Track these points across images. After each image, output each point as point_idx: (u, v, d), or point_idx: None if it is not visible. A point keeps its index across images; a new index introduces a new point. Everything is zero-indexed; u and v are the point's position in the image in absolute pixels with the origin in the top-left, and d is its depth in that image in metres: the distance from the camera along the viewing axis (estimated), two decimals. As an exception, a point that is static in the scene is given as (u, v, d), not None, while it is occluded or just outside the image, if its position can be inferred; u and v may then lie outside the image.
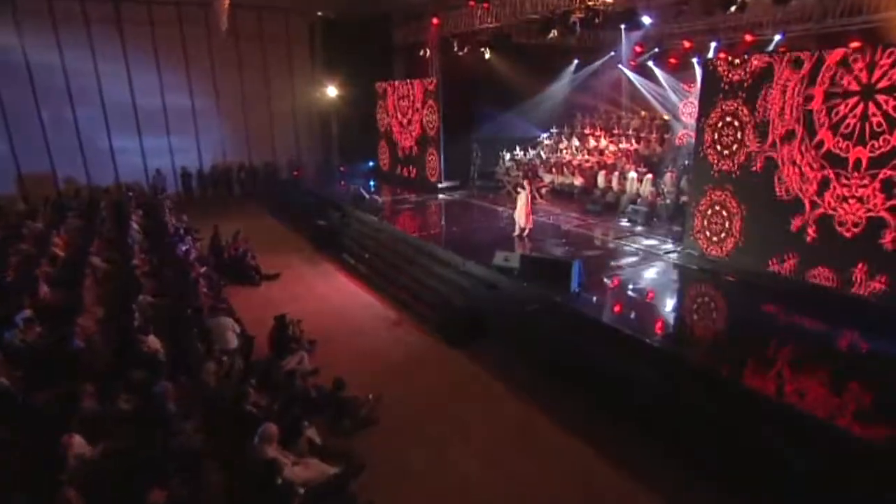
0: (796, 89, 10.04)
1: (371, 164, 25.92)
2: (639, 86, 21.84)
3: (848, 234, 9.75)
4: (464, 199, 20.12)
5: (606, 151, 20.60)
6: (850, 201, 9.63)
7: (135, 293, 10.79)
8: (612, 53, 22.06)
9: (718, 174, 11.56)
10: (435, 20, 20.03)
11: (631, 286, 11.26)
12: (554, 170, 20.21)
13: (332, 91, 24.45)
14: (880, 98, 8.96)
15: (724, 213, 11.54)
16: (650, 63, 21.02)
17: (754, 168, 10.90)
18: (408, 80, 22.57)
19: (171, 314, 10.54)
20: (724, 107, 11.23)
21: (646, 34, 19.85)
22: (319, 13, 24.19)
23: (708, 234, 11.97)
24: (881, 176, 9.18)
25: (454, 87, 20.80)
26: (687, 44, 19.11)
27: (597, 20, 14.93)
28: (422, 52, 21.41)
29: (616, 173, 17.78)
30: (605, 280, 11.58)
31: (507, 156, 21.90)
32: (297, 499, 6.16)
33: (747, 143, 10.97)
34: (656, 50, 20.73)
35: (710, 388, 7.78)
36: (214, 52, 23.84)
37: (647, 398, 8.04)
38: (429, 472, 7.44)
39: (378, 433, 8.17)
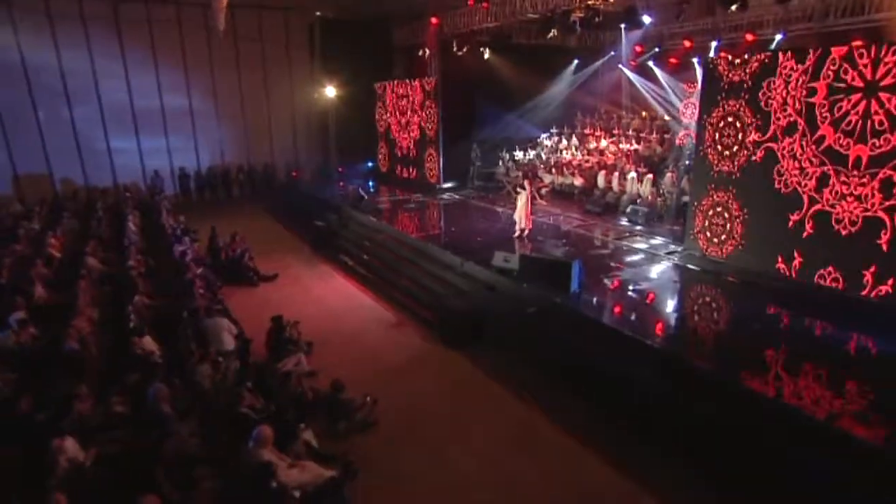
0: (799, 80, 9.96)
1: (370, 164, 25.85)
2: (639, 86, 21.78)
3: (844, 232, 9.73)
4: (463, 199, 20.02)
5: (606, 152, 20.52)
6: (849, 199, 9.60)
7: (130, 294, 10.70)
8: (613, 53, 22.04)
9: (718, 174, 11.50)
10: (434, 20, 19.92)
11: (631, 287, 11.17)
12: (554, 170, 20.12)
13: (330, 91, 24.29)
14: (883, 96, 8.90)
15: (726, 214, 11.46)
16: (650, 63, 20.93)
17: (754, 158, 10.84)
18: (407, 81, 22.49)
19: (167, 315, 10.45)
20: (726, 107, 11.14)
21: (646, 34, 19.80)
22: (318, 13, 24.04)
23: (709, 234, 11.91)
24: (881, 175, 9.14)
25: (454, 87, 20.71)
26: (687, 43, 19.02)
27: (597, 19, 14.83)
28: (421, 53, 21.32)
29: (616, 174, 17.69)
30: (605, 281, 11.48)
31: (507, 156, 21.81)
32: (292, 502, 6.07)
33: (748, 146, 10.89)
34: (656, 50, 20.66)
35: (709, 388, 7.73)
36: (213, 52, 23.67)
37: (646, 399, 7.99)
38: (427, 474, 7.36)
39: (376, 435, 8.10)
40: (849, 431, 6.51)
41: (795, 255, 10.37)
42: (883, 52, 8.79)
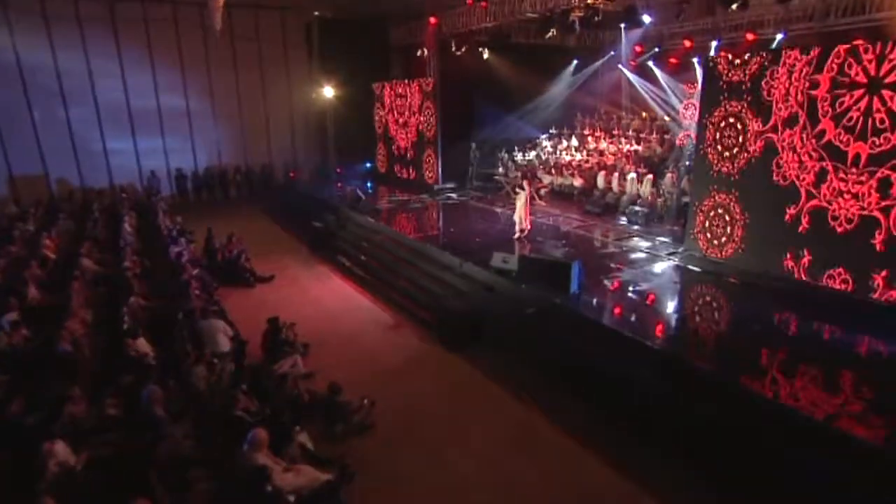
0: (803, 71, 9.87)
1: (368, 165, 25.76)
2: (638, 87, 21.72)
3: (839, 230, 9.68)
4: (462, 200, 19.92)
5: (606, 152, 20.45)
6: (846, 196, 9.54)
7: (125, 295, 10.59)
8: (612, 53, 21.98)
9: (718, 174, 11.45)
10: (432, 19, 19.82)
11: (631, 287, 11.09)
12: (553, 171, 20.03)
13: (328, 91, 24.20)
14: (886, 94, 8.82)
15: (727, 217, 11.38)
16: (650, 63, 20.87)
17: (754, 160, 10.78)
18: (405, 81, 22.40)
19: (162, 317, 10.35)
20: (727, 107, 11.06)
21: (646, 34, 19.77)
22: (316, 13, 23.95)
23: (709, 235, 11.84)
24: (878, 174, 9.08)
25: (452, 87, 20.62)
26: (688, 43, 18.96)
27: (596, 18, 14.75)
28: (419, 53, 21.21)
29: (616, 174, 17.60)
30: (605, 282, 11.38)
31: (506, 157, 21.72)
32: (288, 506, 5.97)
33: (749, 148, 10.83)
34: (656, 50, 20.61)
35: (710, 389, 7.68)
36: (209, 52, 23.55)
37: (646, 400, 7.93)
38: (425, 476, 7.29)
39: (373, 437, 8.03)
40: (850, 432, 6.45)
41: (800, 255, 10.26)
42: (888, 49, 8.70)
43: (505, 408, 8.79)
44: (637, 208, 15.66)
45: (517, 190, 14.66)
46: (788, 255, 10.39)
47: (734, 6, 13.15)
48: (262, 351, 9.88)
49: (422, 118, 21.28)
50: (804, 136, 9.97)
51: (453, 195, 20.46)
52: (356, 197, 18.82)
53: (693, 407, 7.50)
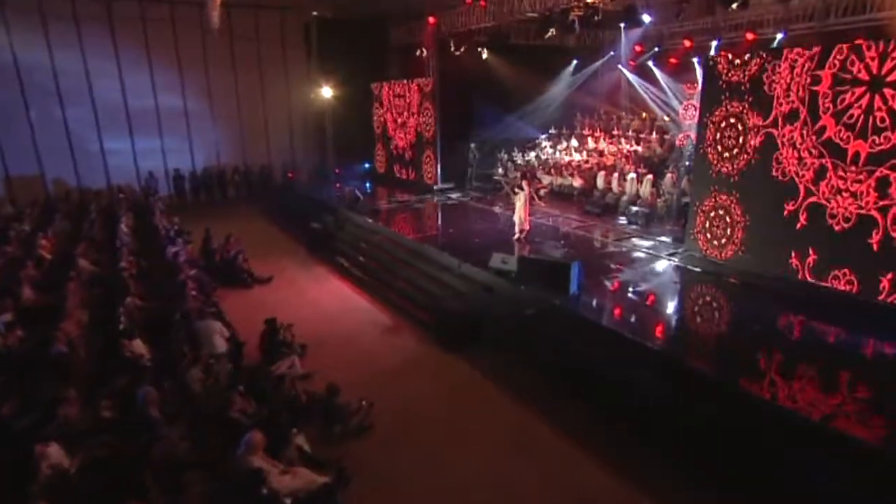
0: (805, 66, 9.80)
1: (367, 165, 25.68)
2: (638, 87, 21.67)
3: (837, 228, 9.65)
4: (461, 201, 19.85)
5: (606, 152, 20.37)
6: (844, 194, 9.51)
7: (121, 296, 10.52)
8: (612, 53, 21.91)
9: (718, 175, 11.40)
10: (431, 19, 19.74)
11: (631, 288, 11.04)
12: (553, 171, 19.96)
13: (327, 92, 24.15)
14: (887, 92, 8.76)
15: (728, 218, 11.32)
16: (650, 63, 20.82)
17: (753, 161, 10.72)
18: (404, 81, 22.33)
19: (159, 318, 10.27)
20: (728, 107, 10.99)
21: (645, 33, 19.70)
22: (315, 13, 23.89)
23: (709, 236, 11.77)
24: (877, 174, 9.04)
25: (451, 87, 20.54)
26: (687, 43, 18.90)
27: (596, 18, 14.64)
28: (418, 53, 21.12)
29: (616, 174, 17.53)
30: (605, 282, 11.32)
31: (506, 157, 21.65)
32: (283, 510, 5.90)
33: (749, 150, 10.78)
34: (656, 49, 20.54)
35: (710, 390, 7.65)
36: (208, 52, 23.44)
37: (646, 401, 7.90)
38: (423, 478, 7.24)
39: (371, 439, 7.97)
40: (849, 433, 6.43)
41: (806, 254, 10.18)
42: (891, 48, 8.64)
43: (503, 409, 8.73)
44: (637, 209, 15.59)
45: (516, 190, 14.58)
46: (794, 255, 10.28)
47: (734, 5, 13.05)
48: (259, 352, 9.81)
49: (421, 118, 21.21)
50: (804, 131, 9.91)
51: (452, 196, 20.39)
52: (354, 197, 18.74)
53: (693, 408, 7.46)
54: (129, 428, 6.81)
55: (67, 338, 8.75)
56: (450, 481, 7.17)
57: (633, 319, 9.66)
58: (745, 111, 10.76)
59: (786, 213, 10.35)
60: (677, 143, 18.59)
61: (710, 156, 11.48)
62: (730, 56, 11.10)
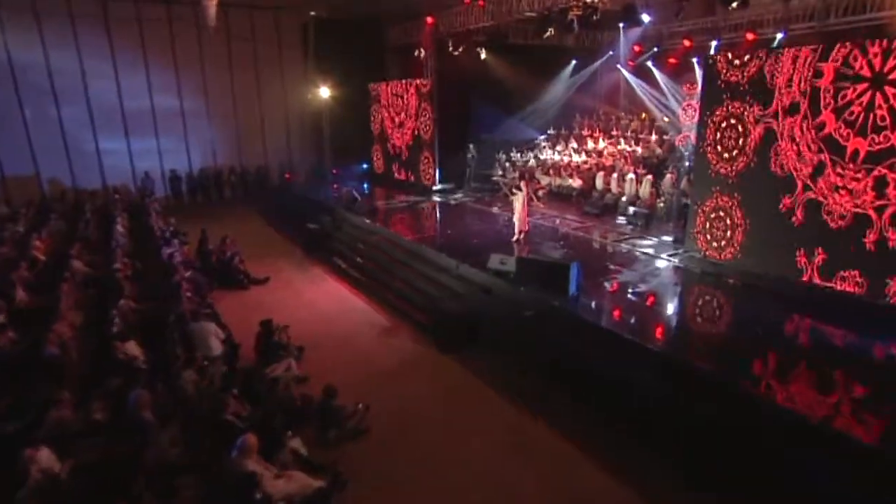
0: (808, 59, 9.71)
1: (364, 166, 25.57)
2: (636, 88, 21.62)
3: (833, 225, 9.61)
4: (459, 201, 19.76)
5: (605, 153, 20.29)
6: (841, 192, 9.45)
7: (115, 297, 10.40)
8: (611, 53, 21.85)
9: (716, 175, 11.33)
10: (429, 19, 19.66)
11: (630, 289, 10.97)
12: (552, 172, 19.87)
13: (324, 92, 24.01)
14: (889, 90, 8.68)
15: (728, 221, 11.24)
16: (649, 63, 20.76)
17: (752, 145, 10.66)
18: (402, 81, 22.21)
19: (153, 319, 10.15)
20: (729, 107, 10.90)
21: (644, 33, 19.66)
22: (312, 13, 23.77)
23: (709, 237, 11.69)
24: (875, 172, 8.98)
25: (449, 87, 20.47)
26: (687, 43, 18.84)
27: (595, 17, 14.55)
28: (416, 53, 21.01)
29: (615, 175, 17.45)
30: (605, 283, 11.24)
31: (504, 158, 21.57)
32: (277, 514, 5.81)
33: (748, 152, 10.71)
34: (655, 49, 20.48)
35: (710, 391, 7.61)
36: (204, 52, 23.33)
37: (645, 403, 7.86)
38: (420, 480, 7.19)
39: (368, 441, 7.93)
40: (849, 433, 6.42)
41: (803, 256, 10.12)
42: (895, 45, 8.56)
43: (501, 410, 8.68)
44: (636, 209, 15.51)
45: (514, 191, 14.50)
46: (800, 254, 10.17)
47: (734, 5, 13.03)
48: (255, 354, 9.73)
49: (419, 119, 21.09)
50: (804, 125, 9.83)
51: (451, 196, 20.28)
52: (352, 198, 18.65)
53: (692, 408, 7.43)
54: (121, 431, 6.69)
55: (60, 339, 8.64)
56: (447, 483, 7.12)
57: (632, 320, 9.58)
58: (745, 112, 10.66)
59: (782, 207, 10.28)
60: (677, 142, 18.52)
61: (709, 155, 11.39)
62: (729, 56, 11.01)
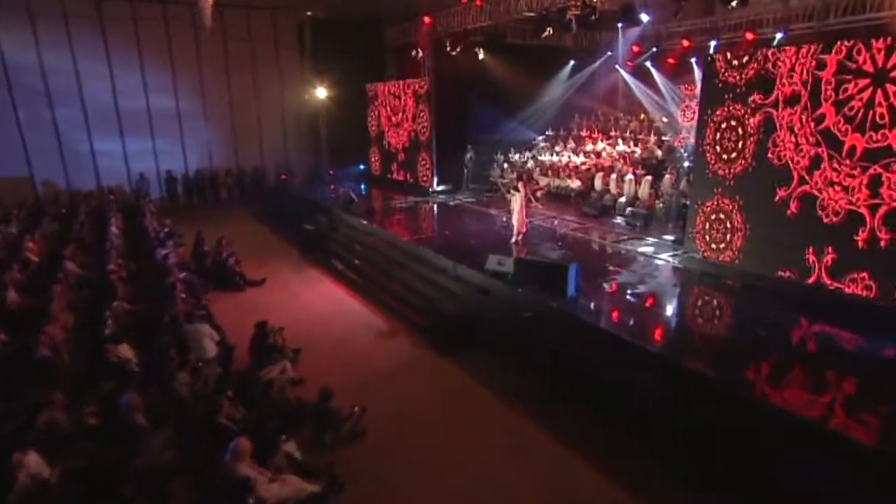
0: (811, 49, 9.61)
1: (362, 167, 25.46)
2: (635, 89, 21.58)
3: (826, 221, 9.56)
4: (457, 202, 19.66)
5: (604, 154, 20.21)
6: (836, 188, 9.39)
7: (109, 299, 10.29)
8: (610, 54, 21.80)
9: (714, 175, 11.26)
10: (427, 19, 19.58)
11: (629, 290, 10.89)
12: (550, 173, 19.79)
13: (321, 92, 23.89)
14: (889, 88, 8.59)
15: (728, 223, 11.15)
16: (648, 64, 20.72)
17: (751, 148, 10.58)
18: (399, 81, 22.15)
19: (147, 321, 10.05)
20: (731, 108, 10.81)
21: (643, 33, 19.63)
22: (309, 13, 23.68)
23: (708, 238, 11.60)
24: (871, 171, 8.92)
25: (447, 88, 20.41)
26: (686, 43, 18.78)
27: (593, 17, 14.50)
28: (414, 53, 20.96)
29: (613, 176, 17.37)
30: (603, 284, 11.16)
31: (502, 158, 21.49)
32: (272, 519, 5.70)
33: (747, 155, 10.64)
34: (654, 49, 20.44)
35: (709, 393, 7.55)
36: (200, 52, 23.25)
37: (644, 404, 7.80)
38: (416, 485, 7.09)
39: (364, 445, 7.81)
40: (851, 435, 6.36)
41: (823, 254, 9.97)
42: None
43: (499, 413, 8.60)
44: (635, 210, 15.42)
45: (512, 192, 14.41)
46: (807, 252, 10.04)
47: (733, 4, 13.00)
48: (249, 356, 9.60)
49: (416, 119, 21.00)
50: (804, 117, 9.73)
51: (448, 197, 20.18)
52: (349, 199, 18.53)
53: (691, 409, 7.38)
54: (113, 435, 6.60)
55: (51, 342, 8.57)
56: (445, 485, 7.04)
57: (631, 322, 9.50)
58: (746, 114, 10.57)
59: (777, 199, 10.21)
60: (676, 142, 18.46)
61: (708, 155, 11.30)
62: (728, 55, 10.91)
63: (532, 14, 15.86)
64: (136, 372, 8.11)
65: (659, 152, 19.18)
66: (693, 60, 18.11)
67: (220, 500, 5.87)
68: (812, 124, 9.62)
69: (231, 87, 24.49)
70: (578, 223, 16.12)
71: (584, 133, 22.73)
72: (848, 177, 9.22)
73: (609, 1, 14.76)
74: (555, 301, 10.08)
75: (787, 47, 9.97)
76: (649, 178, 16.26)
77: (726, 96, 10.85)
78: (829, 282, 9.71)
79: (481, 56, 20.67)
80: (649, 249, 13.30)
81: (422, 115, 20.60)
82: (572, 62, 22.90)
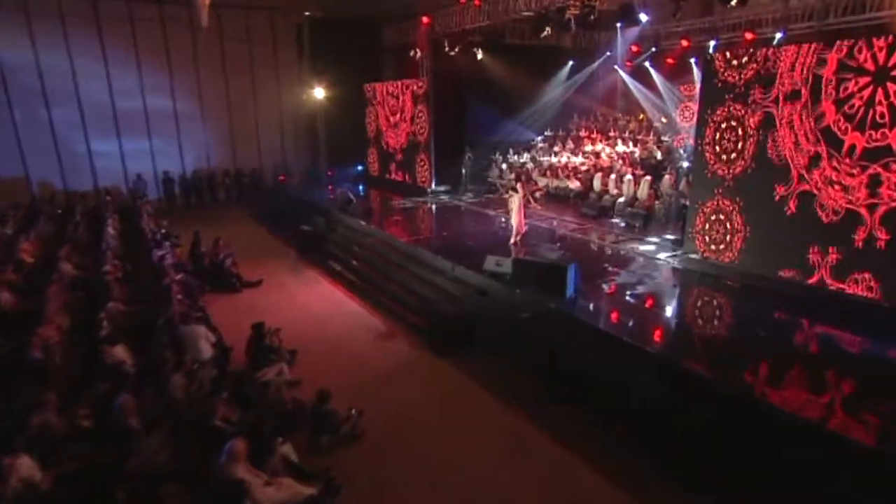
0: (812, 46, 9.55)
1: (360, 167, 25.39)
2: (634, 91, 21.54)
3: (825, 220, 9.52)
4: (455, 203, 19.59)
5: (602, 154, 20.15)
6: (835, 186, 9.34)
7: (104, 300, 10.19)
8: (608, 54, 21.76)
9: (713, 175, 11.20)
10: (425, 19, 19.53)
11: (628, 291, 10.84)
12: (549, 173, 19.73)
13: (319, 93, 23.80)
14: (890, 87, 8.53)
15: (728, 225, 11.09)
16: (647, 64, 20.68)
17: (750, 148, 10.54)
18: (398, 81, 22.06)
19: (143, 322, 9.96)
20: (731, 109, 10.74)
21: (642, 33, 19.60)
22: (307, 13, 23.59)
23: (707, 239, 11.54)
24: (870, 170, 8.87)
25: (445, 88, 20.31)
26: (685, 43, 18.74)
27: (592, 17, 14.45)
28: (412, 53, 20.90)
29: (613, 176, 17.31)
30: (602, 285, 11.10)
31: (500, 159, 21.42)
32: (267, 523, 5.63)
33: (746, 157, 10.59)
34: (653, 49, 20.39)
35: (708, 393, 7.52)
36: (198, 53, 23.17)
37: (643, 405, 7.77)
38: (414, 486, 7.07)
39: (361, 447, 7.78)
40: (851, 435, 6.33)
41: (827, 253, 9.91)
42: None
43: (497, 414, 8.57)
44: (634, 211, 15.36)
45: (510, 192, 14.34)
46: (811, 250, 10.00)
47: (733, 3, 12.93)
48: (246, 358, 9.53)
49: (414, 120, 20.93)
50: (804, 114, 9.66)
51: (446, 198, 20.11)
52: (347, 200, 18.45)
53: (690, 410, 7.37)
54: (106, 437, 6.53)
55: (44, 343, 8.45)
56: (443, 487, 7.02)
57: (630, 322, 9.46)
58: (746, 115, 10.51)
59: (776, 198, 10.16)
60: (675, 143, 18.42)
61: (707, 155, 11.24)
62: (727, 55, 10.85)
63: (531, 14, 15.81)
64: (130, 374, 8.01)
65: (658, 153, 19.13)
66: (692, 60, 18.06)
67: (215, 503, 5.79)
68: (812, 122, 9.56)
69: (228, 88, 24.39)
70: (577, 224, 16.06)
71: (582, 133, 22.68)
72: (847, 176, 9.17)
73: (608, 0, 14.70)
74: (553, 302, 10.02)
75: (787, 46, 9.92)
76: (648, 178, 16.20)
77: (726, 96, 10.79)
78: (830, 282, 9.66)
79: (480, 56, 20.58)
80: (648, 250, 13.23)
81: (420, 115, 20.54)
82: (571, 62, 22.86)
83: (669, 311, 10.48)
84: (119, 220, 17.73)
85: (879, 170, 8.75)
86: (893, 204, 8.73)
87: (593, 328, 9.34)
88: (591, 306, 10.21)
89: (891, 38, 8.50)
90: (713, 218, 11.36)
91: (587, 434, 7.86)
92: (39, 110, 20.93)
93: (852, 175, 9.11)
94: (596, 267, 12.12)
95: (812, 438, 6.45)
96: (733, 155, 10.78)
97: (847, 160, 9.16)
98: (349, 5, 22.47)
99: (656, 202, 15.59)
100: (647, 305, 10.23)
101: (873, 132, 8.78)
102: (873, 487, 5.80)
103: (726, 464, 6.66)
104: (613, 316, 9.72)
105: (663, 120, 20.65)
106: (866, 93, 8.81)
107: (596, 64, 22.63)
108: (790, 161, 9.91)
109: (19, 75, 20.23)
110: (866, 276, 9.19)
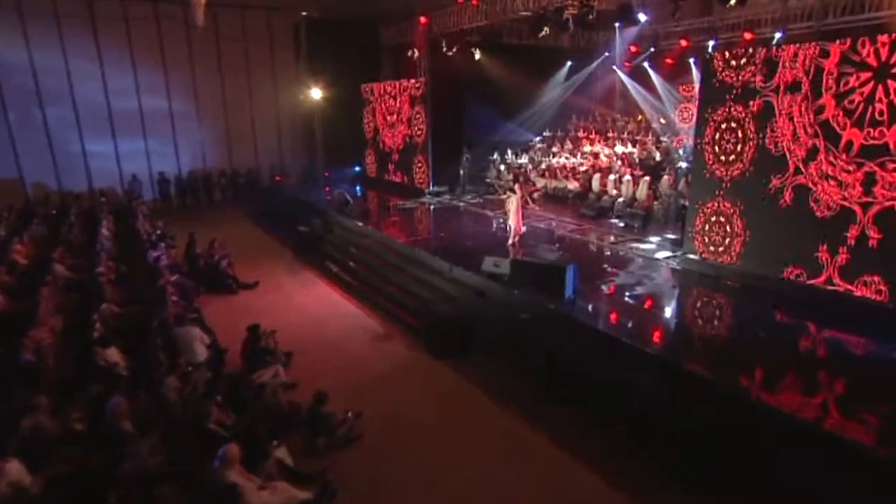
0: (812, 46, 9.50)
1: (357, 168, 25.31)
2: (632, 90, 21.49)
3: (819, 214, 9.51)
4: (453, 204, 19.53)
5: (601, 155, 20.10)
6: (831, 182, 9.31)
7: (97, 302, 10.10)
8: (607, 54, 21.71)
9: (711, 175, 11.16)
10: (423, 19, 19.45)
11: (627, 292, 10.81)
12: (547, 174, 19.67)
13: (316, 93, 23.71)
14: (891, 84, 8.48)
15: (728, 227, 11.04)
16: (645, 65, 20.64)
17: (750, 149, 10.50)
18: (395, 82, 21.98)
19: (137, 324, 9.87)
20: (732, 109, 10.67)
21: (641, 33, 19.54)
22: (304, 13, 23.51)
23: (707, 239, 11.49)
24: (866, 167, 8.83)
25: (443, 88, 20.25)
26: (684, 43, 18.70)
27: (591, 17, 14.35)
28: (410, 53, 20.81)
29: (611, 177, 17.26)
30: (601, 286, 11.06)
31: (498, 160, 21.36)
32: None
33: (744, 159, 10.54)
34: (652, 50, 20.35)
35: (707, 394, 7.49)
36: (194, 52, 23.08)
37: (642, 406, 7.74)
38: (411, 488, 7.03)
39: (358, 449, 7.73)
40: (850, 436, 6.31)
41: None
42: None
43: (495, 415, 8.53)
44: (633, 211, 15.32)
45: (508, 193, 14.28)
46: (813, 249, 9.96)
47: (732, 3, 12.87)
48: (241, 360, 9.45)
49: (412, 120, 20.86)
50: (804, 106, 9.60)
51: (444, 199, 20.04)
52: (344, 200, 18.35)
53: (690, 411, 7.34)
54: (99, 440, 6.45)
55: (36, 346, 8.38)
56: (441, 488, 6.99)
57: (629, 323, 9.41)
58: (747, 117, 10.44)
59: (772, 189, 10.13)
60: (674, 143, 18.37)
61: (706, 155, 11.18)
62: (727, 55, 10.79)
63: (529, 14, 15.74)
64: (124, 376, 7.96)
65: (657, 153, 19.09)
66: (691, 61, 18.02)
67: (209, 507, 5.71)
68: (811, 114, 9.51)
69: (225, 87, 24.29)
70: (576, 224, 16.00)
71: (581, 134, 22.64)
72: (844, 172, 9.13)
73: (606, 0, 14.63)
74: (552, 303, 9.97)
75: (787, 45, 9.87)
76: (647, 178, 16.15)
77: (726, 96, 10.72)
78: (838, 282, 9.61)
79: (478, 56, 20.50)
80: (647, 251, 13.18)
81: (418, 116, 20.46)
82: (569, 63, 22.82)
83: (668, 311, 10.43)
84: (114, 221, 17.66)
85: (875, 168, 8.73)
86: (887, 204, 8.70)
87: (592, 329, 9.30)
88: (590, 307, 10.17)
89: (894, 35, 8.43)
90: (713, 219, 11.29)
91: (586, 435, 7.82)
92: (34, 110, 20.80)
93: (848, 171, 9.08)
94: (595, 268, 12.08)
95: (811, 439, 6.43)
96: (732, 157, 10.73)
97: (844, 156, 9.12)
98: (346, 5, 22.41)
99: (655, 203, 15.55)
100: (646, 306, 10.19)
101: (871, 129, 8.74)
102: (873, 487, 5.78)
103: (726, 465, 6.62)
104: (612, 317, 9.69)
105: (662, 121, 20.62)
106: (867, 89, 8.75)
107: (594, 64, 22.59)
108: (787, 153, 9.87)
109: (14, 75, 20.08)
110: (875, 278, 9.13)
